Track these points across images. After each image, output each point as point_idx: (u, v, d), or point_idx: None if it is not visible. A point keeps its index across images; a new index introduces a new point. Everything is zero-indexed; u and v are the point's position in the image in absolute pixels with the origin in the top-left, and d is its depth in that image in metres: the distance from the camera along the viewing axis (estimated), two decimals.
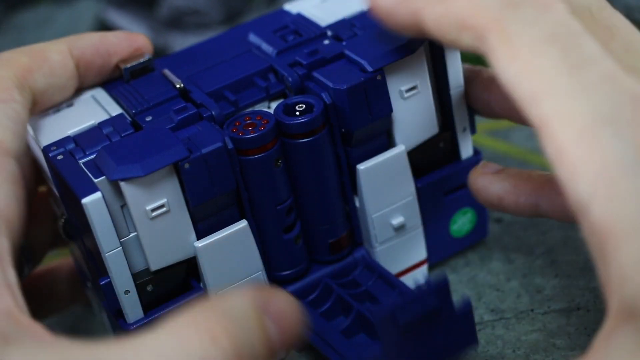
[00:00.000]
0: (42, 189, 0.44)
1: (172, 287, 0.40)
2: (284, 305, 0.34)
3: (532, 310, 0.44)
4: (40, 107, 0.40)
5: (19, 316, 0.32)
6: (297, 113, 0.40)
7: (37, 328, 0.32)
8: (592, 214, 0.29)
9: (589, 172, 0.29)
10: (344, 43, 0.42)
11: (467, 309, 0.36)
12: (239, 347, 0.32)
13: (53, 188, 0.41)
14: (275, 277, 0.42)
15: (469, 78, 0.43)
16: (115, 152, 0.37)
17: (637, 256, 0.28)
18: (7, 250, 0.33)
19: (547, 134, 0.30)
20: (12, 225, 0.34)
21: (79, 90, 0.42)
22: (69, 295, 0.47)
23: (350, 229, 0.43)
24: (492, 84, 0.43)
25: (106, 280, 0.38)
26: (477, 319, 0.44)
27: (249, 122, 0.39)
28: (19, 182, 0.35)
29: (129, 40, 0.43)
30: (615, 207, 0.28)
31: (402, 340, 0.35)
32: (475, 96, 0.43)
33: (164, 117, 0.40)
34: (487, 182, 0.42)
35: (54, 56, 0.40)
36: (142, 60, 0.43)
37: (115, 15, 0.71)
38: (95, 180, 0.37)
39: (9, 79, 0.38)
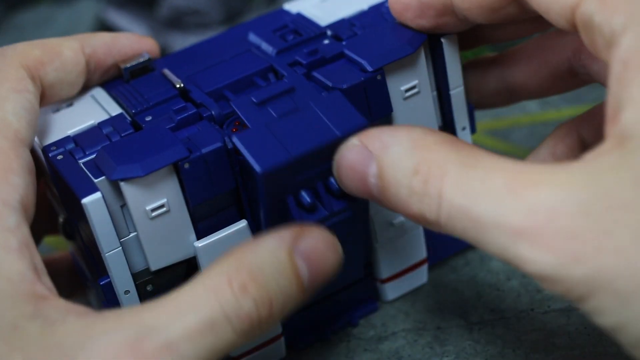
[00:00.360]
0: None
1: (172, 287, 0.39)
2: (315, 241, 0.35)
3: (532, 309, 0.44)
4: (47, 101, 0.41)
5: (54, 300, 0.33)
6: None
7: (75, 306, 0.33)
8: (622, 43, 0.31)
9: (626, 8, 0.31)
10: (343, 43, 0.42)
11: (335, 92, 0.38)
12: (269, 295, 0.34)
13: (53, 187, 0.41)
14: None
15: (475, 66, 0.44)
16: (115, 152, 0.37)
17: None
18: (31, 238, 0.34)
19: None
20: (29, 214, 0.35)
21: (84, 88, 0.42)
22: (69, 288, 0.47)
23: None
24: (504, 57, 0.44)
25: (106, 280, 0.38)
26: (477, 318, 0.44)
27: None
28: (33, 172, 0.36)
29: (139, 42, 0.43)
30: None
31: (266, 123, 0.37)
32: (490, 78, 0.44)
33: (164, 116, 0.40)
34: None
35: (66, 52, 0.41)
36: (141, 60, 0.43)
37: (115, 15, 0.71)
38: (95, 180, 0.37)
39: (22, 69, 0.39)
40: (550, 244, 0.30)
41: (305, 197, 0.38)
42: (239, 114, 0.38)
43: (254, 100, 0.39)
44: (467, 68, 0.45)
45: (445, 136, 0.35)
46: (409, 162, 0.34)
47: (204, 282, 0.34)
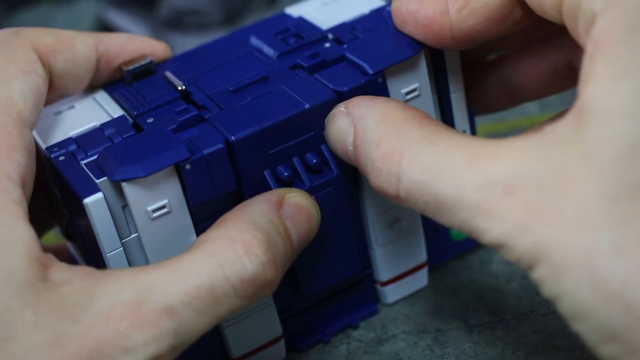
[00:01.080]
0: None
1: None
2: (298, 203, 0.37)
3: (531, 312, 0.44)
4: (53, 92, 0.41)
5: (58, 263, 0.34)
6: None
7: (79, 268, 0.34)
8: (598, 23, 0.31)
9: None
10: (344, 46, 0.42)
11: (305, 75, 0.40)
12: (273, 254, 0.35)
13: (54, 188, 0.41)
14: None
15: (476, 70, 0.45)
16: (117, 153, 0.37)
17: (616, 64, 0.30)
18: (27, 212, 0.35)
19: None
20: (28, 194, 0.36)
21: (88, 88, 0.43)
22: None
23: None
24: (504, 59, 0.44)
25: None
26: (477, 320, 0.44)
27: None
28: (33, 154, 0.37)
29: (152, 46, 0.43)
30: (618, 19, 0.30)
31: (240, 105, 0.39)
32: (490, 81, 0.45)
33: (166, 118, 0.40)
34: None
35: (79, 45, 0.41)
36: (143, 62, 0.43)
37: (115, 15, 0.71)
38: (97, 181, 0.37)
39: (33, 52, 0.39)
40: (504, 215, 0.31)
41: (283, 171, 0.39)
42: (215, 101, 0.40)
43: (230, 88, 0.40)
44: (468, 72, 0.45)
45: (416, 113, 0.36)
46: (374, 135, 0.35)
47: (204, 247, 0.34)
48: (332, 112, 0.38)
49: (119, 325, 0.32)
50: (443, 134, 0.34)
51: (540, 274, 0.30)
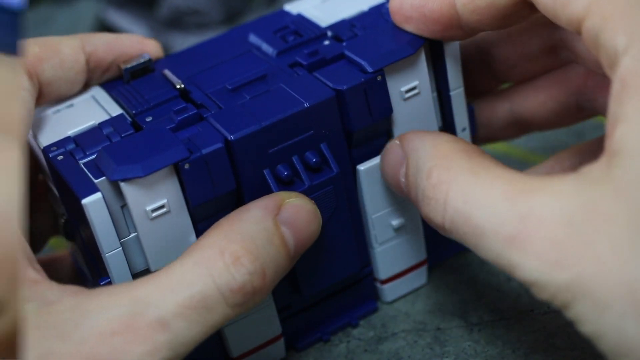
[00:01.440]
0: (42, 177, 0.44)
1: None
2: (297, 208, 0.37)
3: (532, 310, 0.44)
4: (45, 99, 0.41)
5: (48, 282, 0.34)
6: None
7: (69, 287, 0.34)
8: (622, 63, 0.31)
9: (628, 29, 0.31)
10: (344, 44, 0.42)
11: (304, 73, 0.40)
12: (262, 264, 0.35)
13: (53, 188, 0.41)
14: None
15: (485, 101, 0.46)
16: (115, 152, 0.37)
17: None
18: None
19: (592, 10, 0.32)
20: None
21: (84, 88, 0.42)
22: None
23: None
24: (513, 92, 0.45)
25: (106, 281, 0.38)
26: (477, 319, 0.44)
27: None
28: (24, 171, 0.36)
29: (142, 44, 0.44)
30: None
31: (239, 104, 0.39)
32: (499, 113, 0.46)
33: (164, 117, 0.40)
34: None
35: (65, 49, 0.41)
36: (142, 60, 0.43)
37: (115, 15, 0.71)
38: (96, 181, 0.37)
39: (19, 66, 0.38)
40: (537, 250, 0.31)
41: (282, 170, 0.39)
42: (214, 99, 0.40)
43: (229, 87, 0.40)
44: (477, 103, 0.45)
45: (466, 145, 0.36)
46: (425, 166, 0.36)
47: (194, 256, 0.35)
48: (387, 146, 0.40)
49: (112, 340, 0.32)
50: (487, 166, 0.34)
51: (579, 311, 0.30)
